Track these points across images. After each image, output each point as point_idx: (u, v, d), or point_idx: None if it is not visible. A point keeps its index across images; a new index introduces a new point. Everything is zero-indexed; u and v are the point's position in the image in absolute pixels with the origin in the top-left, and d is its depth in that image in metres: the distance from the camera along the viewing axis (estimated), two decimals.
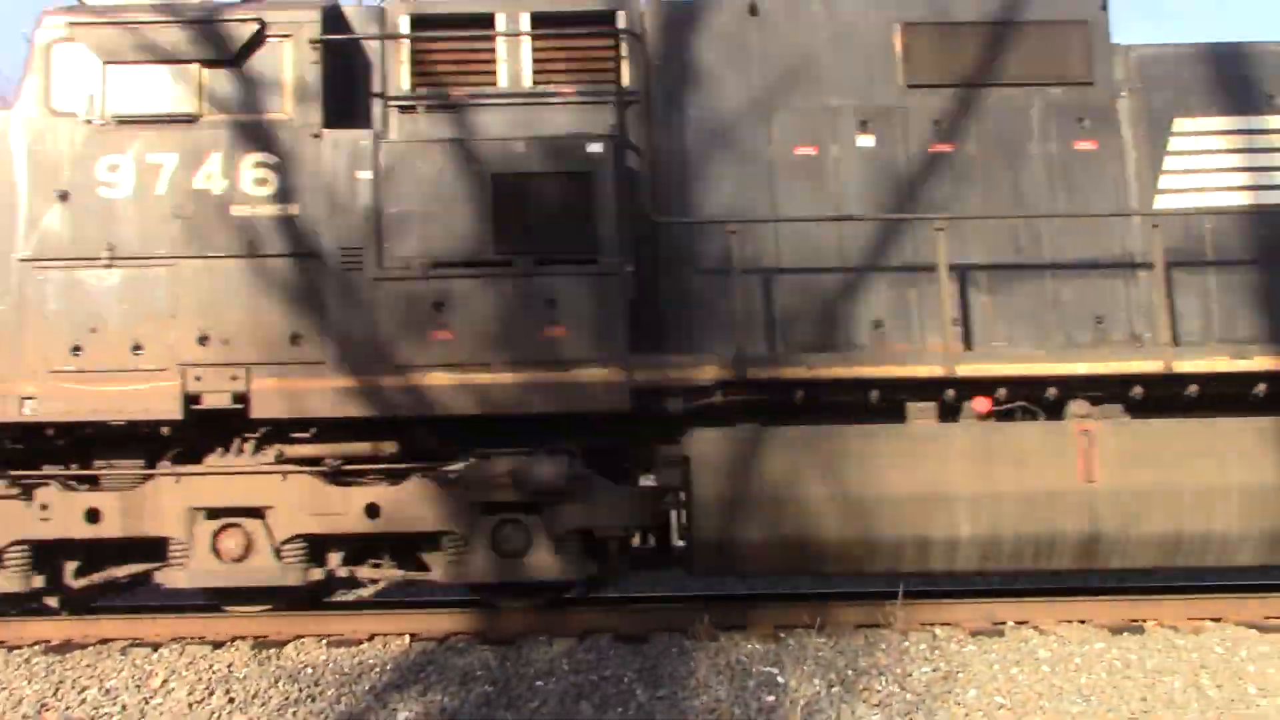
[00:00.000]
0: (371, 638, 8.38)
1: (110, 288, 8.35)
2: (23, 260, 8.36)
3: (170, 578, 8.60)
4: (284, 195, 8.46)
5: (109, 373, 8.28)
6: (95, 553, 8.78)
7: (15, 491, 8.55)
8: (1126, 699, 7.26)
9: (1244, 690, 7.36)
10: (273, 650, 8.16)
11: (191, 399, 8.32)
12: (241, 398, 8.31)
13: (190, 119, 8.53)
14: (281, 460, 8.57)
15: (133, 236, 8.38)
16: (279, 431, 8.56)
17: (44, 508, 8.53)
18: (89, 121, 8.50)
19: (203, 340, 8.32)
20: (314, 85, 8.60)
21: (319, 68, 8.62)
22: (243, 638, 8.38)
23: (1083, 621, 8.38)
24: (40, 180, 8.44)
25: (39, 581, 8.62)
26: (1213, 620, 8.37)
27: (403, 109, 9.07)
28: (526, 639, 8.23)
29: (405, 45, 9.06)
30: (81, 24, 8.57)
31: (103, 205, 8.41)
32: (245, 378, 8.30)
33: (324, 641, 8.31)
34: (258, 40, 8.61)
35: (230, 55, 8.59)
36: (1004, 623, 8.42)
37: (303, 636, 8.41)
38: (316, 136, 8.50)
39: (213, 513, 8.58)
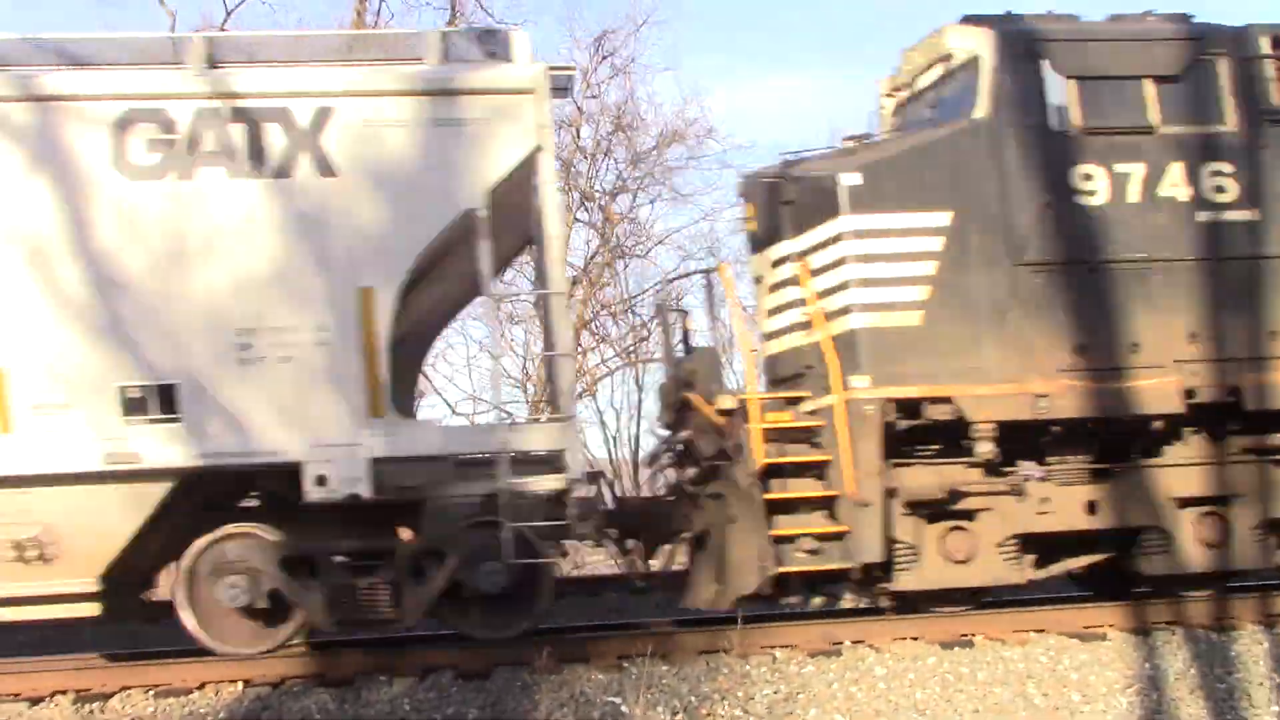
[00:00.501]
0: (202, 686, 8.06)
1: (1102, 290, 8.85)
2: (1019, 265, 8.75)
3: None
4: (1243, 201, 9.03)
5: (1111, 370, 8.77)
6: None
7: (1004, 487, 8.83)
8: (960, 711, 7.50)
9: (1068, 697, 7.68)
10: (96, 704, 7.77)
11: (1188, 394, 8.76)
12: (1233, 391, 8.82)
13: (1147, 130, 9.03)
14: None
15: (1115, 241, 8.87)
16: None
17: (1044, 501, 8.89)
18: (1061, 133, 8.92)
19: (1192, 337, 8.85)
20: (1259, 100, 9.16)
21: (1269, 84, 9.19)
22: (63, 692, 7.96)
23: (915, 638, 8.59)
24: (1022, 187, 8.82)
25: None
26: (1037, 632, 8.68)
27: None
28: (365, 679, 8.04)
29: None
30: (1045, 40, 9.02)
31: (1082, 211, 8.88)
32: (1234, 373, 8.87)
33: (150, 692, 7.96)
34: (1199, 56, 9.15)
35: (1176, 71, 9.12)
36: (841, 642, 8.58)
37: (129, 687, 8.03)
38: (1264, 148, 9.08)
39: (1184, 502, 9.01)
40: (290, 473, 8.40)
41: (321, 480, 8.35)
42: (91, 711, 7.69)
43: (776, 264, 9.52)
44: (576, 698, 7.68)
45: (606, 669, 8.10)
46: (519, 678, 7.98)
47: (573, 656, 8.28)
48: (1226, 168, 9.09)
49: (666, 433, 9.79)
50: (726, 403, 8.92)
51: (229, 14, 21.20)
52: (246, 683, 8.08)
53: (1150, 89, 9.12)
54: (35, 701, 7.84)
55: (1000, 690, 7.73)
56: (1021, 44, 9.04)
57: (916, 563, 8.82)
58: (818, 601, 9.38)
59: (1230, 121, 9.19)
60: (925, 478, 8.78)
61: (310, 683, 8.05)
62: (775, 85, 50.04)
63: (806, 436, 8.92)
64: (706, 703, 7.58)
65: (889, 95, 10.40)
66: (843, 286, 8.82)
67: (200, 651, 8.80)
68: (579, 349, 20.88)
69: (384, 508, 8.61)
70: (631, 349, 23.29)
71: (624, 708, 7.55)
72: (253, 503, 9.18)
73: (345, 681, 8.01)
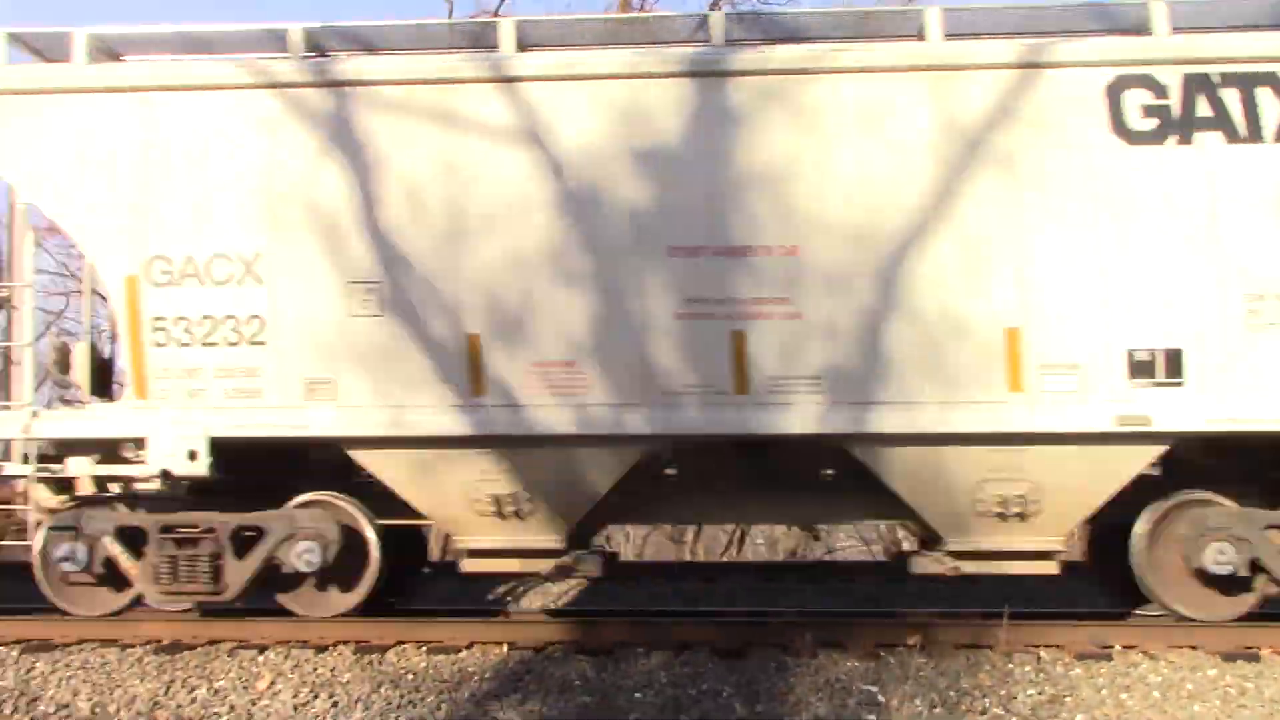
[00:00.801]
0: (471, 645, 8.45)
1: None
2: None
3: None
4: None
5: None
6: None
7: None
8: None
9: None
10: (375, 655, 8.27)
11: None
12: None
13: None
14: None
15: None
16: None
17: None
18: None
19: None
20: None
21: None
22: (345, 642, 8.51)
23: (1194, 647, 8.14)
24: None
25: None
26: None
27: None
28: (623, 650, 8.24)
29: None
30: None
31: None
32: None
33: (424, 648, 8.40)
34: None
35: None
36: (1111, 646, 8.22)
37: (404, 642, 8.52)
38: None
39: None
40: None
41: None
42: (370, 661, 8.18)
43: None
44: (832, 683, 7.63)
45: (863, 657, 8.02)
46: (774, 658, 8.01)
47: (829, 642, 8.24)
48: None
49: None
50: None
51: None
52: (511, 645, 8.42)
53: None
54: (321, 649, 8.40)
55: None
56: None
57: None
58: None
59: None
60: None
61: (570, 649, 8.32)
62: None
63: None
64: (966, 698, 7.40)
65: None
66: None
67: (471, 611, 9.23)
68: None
69: None
70: None
71: (880, 697, 7.45)
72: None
73: (604, 651, 8.23)
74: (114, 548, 8.88)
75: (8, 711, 7.56)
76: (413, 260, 8.57)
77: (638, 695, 7.54)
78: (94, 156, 8.76)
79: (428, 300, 8.57)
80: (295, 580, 9.00)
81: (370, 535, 8.98)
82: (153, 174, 8.73)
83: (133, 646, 8.52)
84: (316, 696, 7.64)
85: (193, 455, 8.63)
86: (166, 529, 8.85)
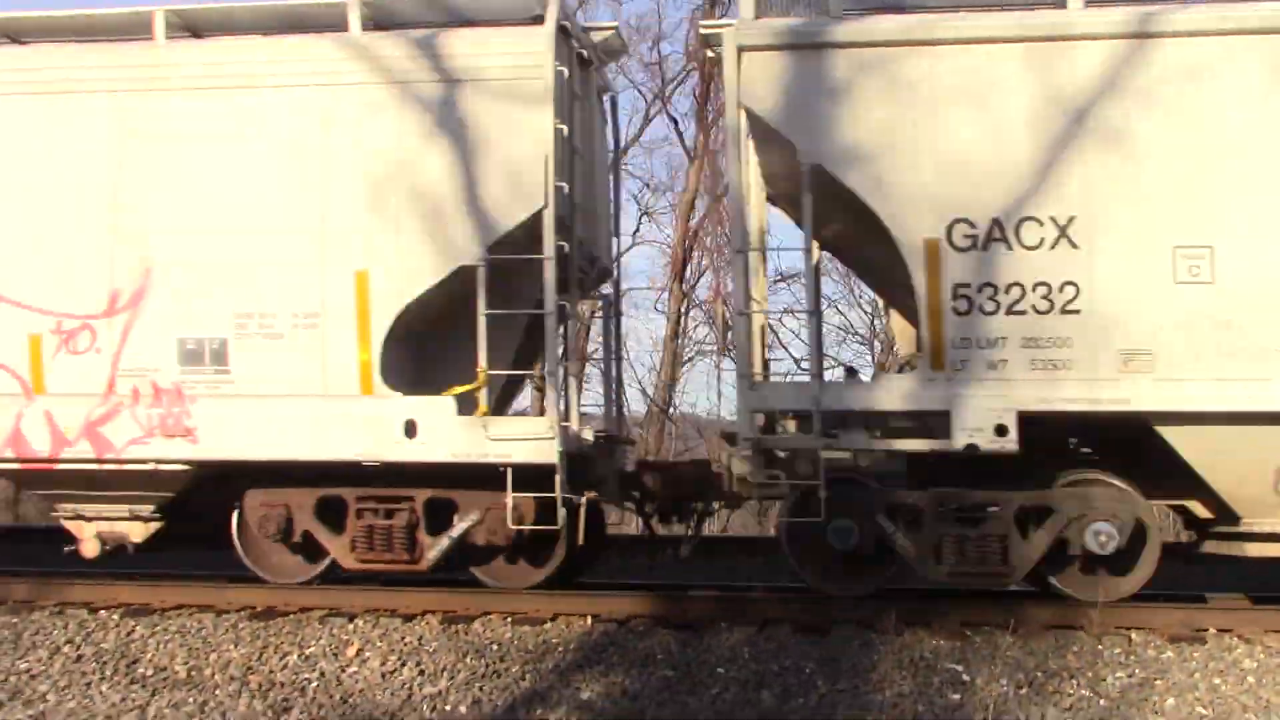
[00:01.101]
0: (555, 617, 8.53)
1: None
2: None
3: None
4: None
5: None
6: None
7: None
8: None
9: None
10: (460, 625, 8.39)
11: None
12: None
13: None
14: None
15: None
16: None
17: None
18: None
19: None
20: None
21: None
22: (433, 612, 8.64)
23: None
24: None
25: None
26: None
27: None
28: (706, 624, 8.26)
29: None
30: None
31: None
32: None
33: (509, 619, 8.49)
34: None
35: None
36: (1205, 630, 8.04)
37: (489, 613, 8.63)
38: None
39: None
40: None
41: None
42: (456, 631, 8.30)
43: None
44: (916, 661, 7.57)
45: (950, 635, 7.95)
46: (858, 635, 7.97)
47: (915, 620, 8.18)
48: None
49: None
50: None
51: None
52: (595, 618, 8.48)
53: None
54: (409, 618, 8.54)
55: None
56: None
57: None
58: None
59: None
60: None
61: (653, 623, 8.35)
62: None
63: None
64: (1054, 679, 7.29)
65: None
66: None
67: (552, 585, 9.33)
68: None
69: None
70: None
71: (965, 676, 7.38)
72: None
73: (687, 625, 8.25)
74: (886, 525, 8.54)
75: (108, 673, 7.81)
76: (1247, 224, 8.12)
77: (720, 670, 7.56)
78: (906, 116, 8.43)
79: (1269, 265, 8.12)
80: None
81: (1150, 521, 8.53)
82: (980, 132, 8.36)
83: (228, 612, 8.74)
84: (404, 664, 7.78)
85: (1001, 430, 8.19)
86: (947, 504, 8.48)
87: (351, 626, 8.39)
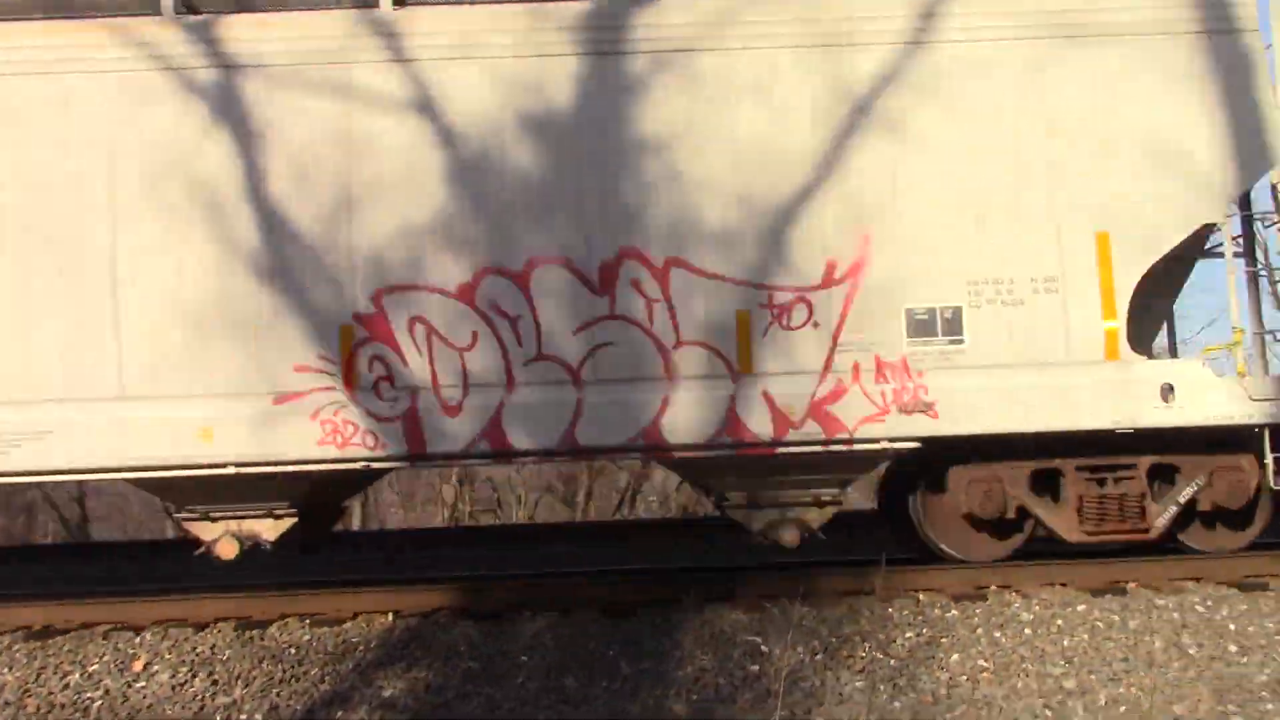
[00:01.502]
0: (355, 616, 8.35)
1: None
2: None
3: None
4: None
5: None
6: None
7: None
8: (1108, 659, 7.31)
9: (1225, 648, 7.41)
10: (256, 631, 8.12)
11: None
12: None
13: None
14: None
15: None
16: None
17: None
18: None
19: None
20: None
21: None
22: (226, 619, 8.35)
23: (1064, 584, 8.40)
24: None
25: None
26: (1194, 580, 8.40)
27: None
28: (510, 613, 8.22)
29: None
30: None
31: None
32: None
33: (307, 621, 8.28)
34: None
35: None
36: (987, 587, 8.44)
37: (286, 616, 8.38)
38: None
39: None
40: None
41: None
42: (251, 637, 8.04)
43: None
44: (717, 636, 7.72)
45: (748, 609, 8.12)
46: (660, 616, 8.07)
47: (715, 596, 8.32)
48: None
49: None
50: None
51: None
52: (397, 614, 8.35)
53: None
54: (201, 627, 8.23)
55: (1152, 639, 7.50)
56: None
57: None
58: None
59: None
60: None
61: (457, 615, 8.27)
62: None
63: None
64: (847, 644, 7.55)
65: None
66: None
67: (352, 583, 9.12)
68: None
69: None
70: None
71: (764, 647, 7.56)
72: None
73: (491, 615, 8.21)
74: None
75: None
76: None
77: (524, 658, 7.54)
78: None
79: None
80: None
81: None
82: None
83: (1, 633, 8.26)
84: (195, 675, 7.50)
85: None
86: None
87: (138, 640, 8.03)
